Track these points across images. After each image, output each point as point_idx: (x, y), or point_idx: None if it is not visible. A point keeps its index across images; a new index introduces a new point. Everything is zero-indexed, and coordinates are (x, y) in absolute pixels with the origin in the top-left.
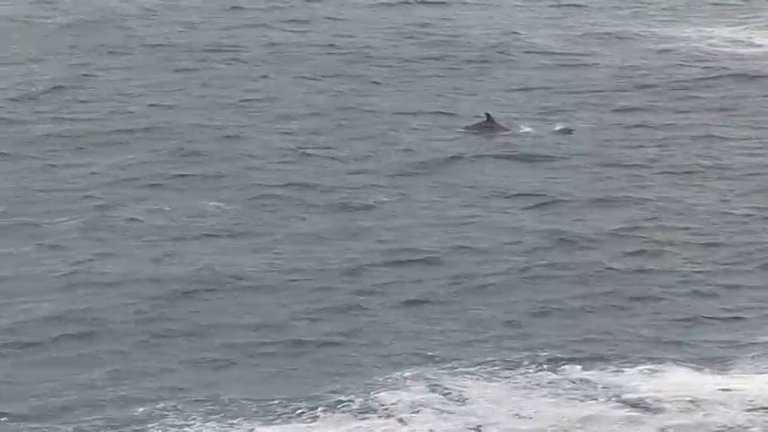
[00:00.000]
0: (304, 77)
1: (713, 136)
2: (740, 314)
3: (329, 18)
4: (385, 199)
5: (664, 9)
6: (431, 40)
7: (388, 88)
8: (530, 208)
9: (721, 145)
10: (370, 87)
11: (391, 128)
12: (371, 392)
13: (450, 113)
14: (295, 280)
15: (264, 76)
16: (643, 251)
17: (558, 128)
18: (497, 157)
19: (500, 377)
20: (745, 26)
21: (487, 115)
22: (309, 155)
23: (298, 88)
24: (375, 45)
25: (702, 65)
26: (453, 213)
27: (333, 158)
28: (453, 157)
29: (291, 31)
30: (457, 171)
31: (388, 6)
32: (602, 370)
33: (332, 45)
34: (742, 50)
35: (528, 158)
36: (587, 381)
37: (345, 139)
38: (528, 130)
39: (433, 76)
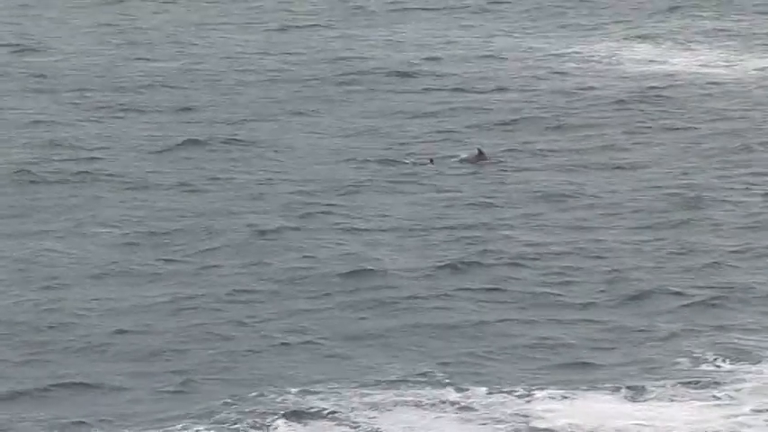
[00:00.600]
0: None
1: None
2: (655, 336)
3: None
4: (286, 224)
5: (580, 27)
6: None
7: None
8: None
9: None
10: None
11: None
12: (272, 417)
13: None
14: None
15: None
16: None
17: (462, 156)
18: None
19: (408, 399)
20: (657, 43)
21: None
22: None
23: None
24: (284, 69)
25: (613, 84)
26: (354, 238)
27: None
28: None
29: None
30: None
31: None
32: (510, 393)
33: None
34: (652, 68)
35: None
36: (495, 404)
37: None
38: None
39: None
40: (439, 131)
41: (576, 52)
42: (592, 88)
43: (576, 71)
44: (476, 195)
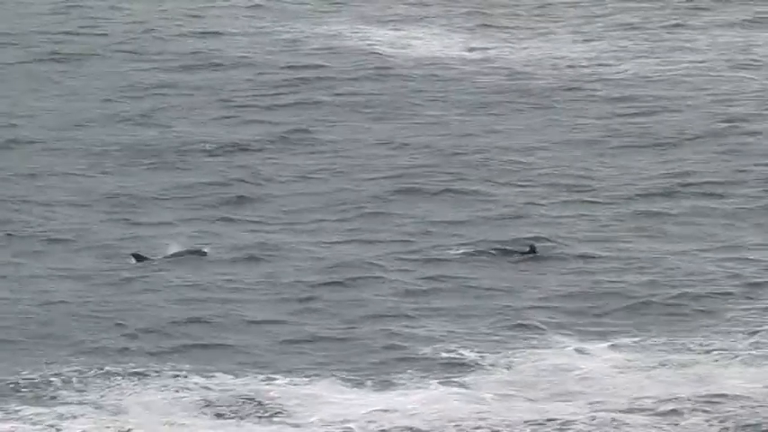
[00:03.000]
0: None
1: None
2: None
3: None
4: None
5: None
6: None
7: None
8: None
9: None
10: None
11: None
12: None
13: None
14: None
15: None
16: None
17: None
18: None
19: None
20: (403, 25)
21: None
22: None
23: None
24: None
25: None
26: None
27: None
28: None
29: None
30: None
31: None
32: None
33: None
34: (399, 51)
35: None
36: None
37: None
38: None
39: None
40: None
41: (317, 33)
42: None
43: (318, 51)
44: None
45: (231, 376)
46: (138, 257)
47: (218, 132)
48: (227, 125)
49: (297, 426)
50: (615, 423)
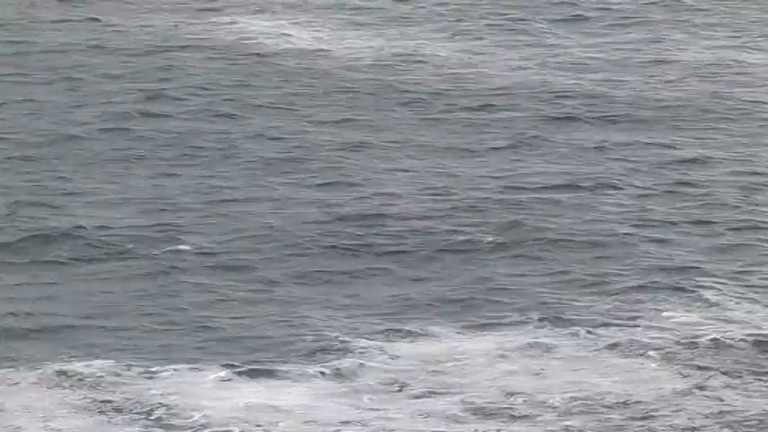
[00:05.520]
0: None
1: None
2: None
3: None
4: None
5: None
6: None
7: None
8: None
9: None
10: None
11: None
12: None
13: None
14: None
15: None
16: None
17: None
18: None
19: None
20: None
21: None
22: None
23: None
24: None
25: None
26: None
27: None
28: None
29: None
30: None
31: None
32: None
33: None
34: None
35: None
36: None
37: None
38: None
39: None
40: None
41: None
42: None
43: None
44: None
45: (107, 371)
46: None
47: None
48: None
49: (173, 427)
50: (491, 415)
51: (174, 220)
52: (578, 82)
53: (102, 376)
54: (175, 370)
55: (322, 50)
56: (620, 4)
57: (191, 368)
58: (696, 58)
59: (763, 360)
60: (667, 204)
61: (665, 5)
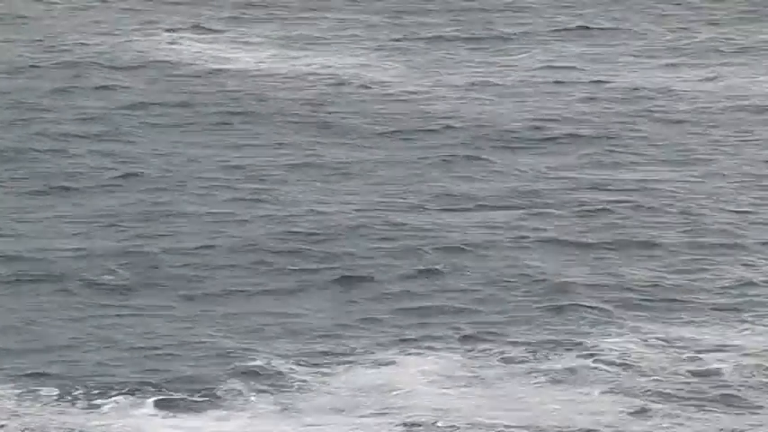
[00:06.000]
0: None
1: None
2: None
3: None
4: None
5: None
6: None
7: None
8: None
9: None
10: None
11: None
12: None
13: None
14: None
15: None
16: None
17: None
18: None
19: None
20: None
21: None
22: None
23: None
24: None
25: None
26: None
27: None
28: None
29: None
30: None
31: None
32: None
33: None
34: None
35: None
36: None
37: None
38: None
39: None
40: None
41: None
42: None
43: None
44: None
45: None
46: None
47: None
48: None
49: None
50: None
51: (114, 243)
52: (516, 102)
53: (34, 405)
54: (113, 399)
55: (262, 70)
56: (558, 27)
57: (127, 397)
58: (633, 80)
59: (705, 388)
60: (604, 229)
61: (612, 29)
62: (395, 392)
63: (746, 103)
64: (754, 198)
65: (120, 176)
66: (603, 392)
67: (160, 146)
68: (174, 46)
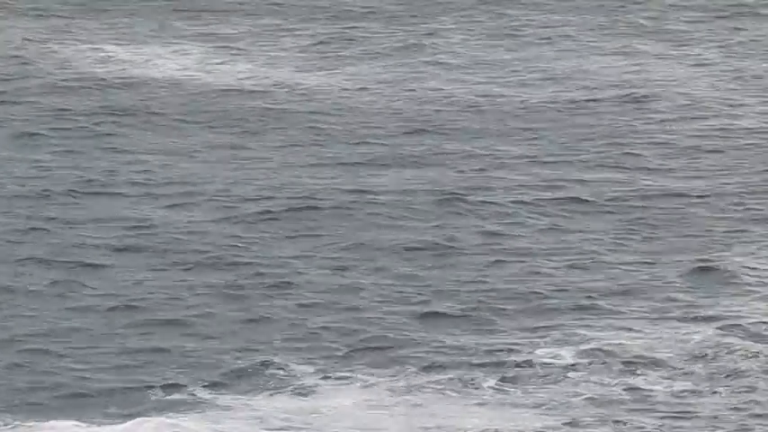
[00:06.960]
0: None
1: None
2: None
3: None
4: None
5: None
6: None
7: None
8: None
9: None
10: None
11: None
12: None
13: None
14: None
15: None
16: None
17: None
18: None
19: None
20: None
21: None
22: None
23: None
24: None
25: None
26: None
27: None
28: None
29: None
30: None
31: None
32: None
33: None
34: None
35: None
36: None
37: None
38: None
39: None
40: None
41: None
42: None
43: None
44: None
45: None
46: None
47: None
48: None
49: None
50: None
51: (55, 258)
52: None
53: None
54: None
55: (190, 77)
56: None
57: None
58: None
59: (636, 397)
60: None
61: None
62: (319, 416)
63: None
64: None
65: (50, 190)
66: (534, 405)
67: (94, 154)
68: (98, 54)
